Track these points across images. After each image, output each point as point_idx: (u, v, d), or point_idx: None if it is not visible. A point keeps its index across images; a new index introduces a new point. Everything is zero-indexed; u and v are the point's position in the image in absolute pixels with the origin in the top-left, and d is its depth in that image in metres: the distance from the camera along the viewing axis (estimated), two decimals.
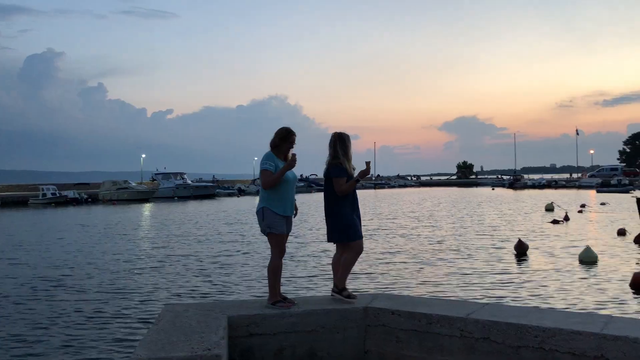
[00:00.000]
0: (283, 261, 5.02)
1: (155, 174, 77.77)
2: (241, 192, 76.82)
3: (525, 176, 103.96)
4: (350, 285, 7.73)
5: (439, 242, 18.29)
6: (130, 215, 39.02)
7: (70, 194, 62.18)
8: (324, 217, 5.16)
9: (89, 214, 41.36)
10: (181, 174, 73.68)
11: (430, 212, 33.96)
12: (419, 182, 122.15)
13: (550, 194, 53.45)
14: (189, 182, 72.88)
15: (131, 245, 19.90)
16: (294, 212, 5.06)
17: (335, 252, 5.20)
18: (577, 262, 13.51)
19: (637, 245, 16.73)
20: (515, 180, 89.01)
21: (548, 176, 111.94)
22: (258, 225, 4.96)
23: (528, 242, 16.18)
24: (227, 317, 4.44)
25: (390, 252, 16.20)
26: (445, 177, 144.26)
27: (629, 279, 10.78)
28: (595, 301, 9.61)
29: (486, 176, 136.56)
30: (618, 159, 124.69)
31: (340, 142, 5.02)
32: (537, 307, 8.28)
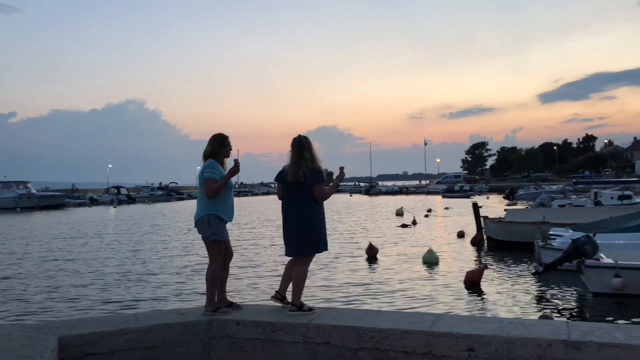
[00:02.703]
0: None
1: None
2: (93, 202, 72.02)
3: (380, 183, 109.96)
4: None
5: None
6: None
7: None
8: (283, 226, 4.88)
9: None
10: (24, 182, 67.23)
11: None
12: None
13: (401, 200, 57.01)
14: (34, 191, 66.74)
15: None
16: None
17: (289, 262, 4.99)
18: (420, 263, 14.53)
19: (473, 246, 18.40)
20: (370, 187, 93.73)
21: (400, 183, 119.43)
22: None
23: (378, 246, 17.06)
24: (57, 337, 4.11)
25: (243, 262, 15.97)
26: None
27: (464, 277, 11.81)
28: (433, 300, 10.39)
29: (345, 183, 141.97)
30: (461, 167, 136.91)
31: (308, 146, 4.78)
32: (376, 309, 8.75)
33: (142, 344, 4.40)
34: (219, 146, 4.89)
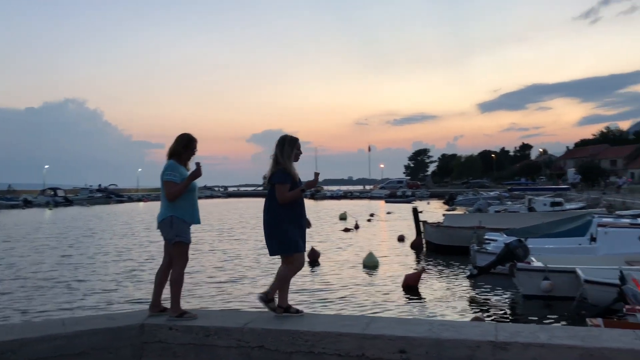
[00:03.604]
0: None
1: None
2: (27, 204, 68.95)
3: (325, 187, 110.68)
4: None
5: (236, 254, 18.44)
6: None
7: None
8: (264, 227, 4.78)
9: None
10: None
11: (231, 225, 34.13)
12: (227, 193, 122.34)
13: (346, 204, 57.48)
14: None
15: None
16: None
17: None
18: (361, 267, 14.71)
19: (413, 250, 18.78)
20: (316, 192, 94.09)
21: (345, 188, 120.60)
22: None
23: (321, 250, 17.15)
24: None
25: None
26: (252, 188, 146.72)
27: (402, 281, 12.04)
28: (371, 303, 10.53)
29: None
30: (404, 173, 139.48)
31: (286, 146, 4.66)
32: (312, 313, 8.76)
33: (69, 351, 4.24)
34: (182, 147, 4.74)
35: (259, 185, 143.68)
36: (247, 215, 44.36)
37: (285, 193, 4.60)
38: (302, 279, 13.26)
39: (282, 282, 4.81)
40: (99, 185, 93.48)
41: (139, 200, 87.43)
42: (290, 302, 4.93)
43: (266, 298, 4.77)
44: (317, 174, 4.84)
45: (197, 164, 4.66)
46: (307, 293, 11.54)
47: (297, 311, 4.77)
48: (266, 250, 4.93)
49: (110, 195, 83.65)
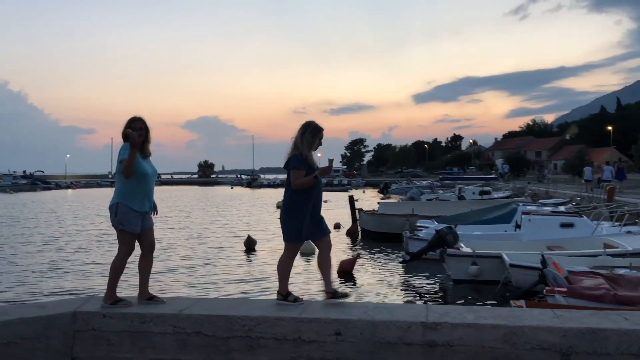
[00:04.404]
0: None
1: None
2: None
3: (263, 176, 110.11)
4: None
5: (169, 244, 18.14)
6: None
7: None
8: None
9: None
10: None
11: (165, 214, 33.48)
12: (160, 181, 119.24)
13: (283, 193, 57.35)
14: None
15: None
16: (154, 210, 4.74)
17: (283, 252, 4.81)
18: (298, 254, 14.82)
19: (348, 237, 19.10)
20: (252, 180, 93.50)
21: (283, 176, 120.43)
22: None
23: (257, 238, 17.15)
24: None
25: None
26: (187, 176, 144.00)
27: (337, 267, 12.25)
28: (307, 288, 10.70)
29: (227, 175, 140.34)
30: (341, 162, 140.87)
31: (308, 133, 4.60)
32: (249, 298, 8.84)
33: None
34: (126, 128, 4.63)
35: (194, 173, 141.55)
36: (180, 203, 43.59)
37: (300, 179, 4.57)
38: (240, 267, 13.25)
39: (282, 272, 4.82)
40: (24, 171, 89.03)
41: (68, 187, 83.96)
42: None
43: (334, 293, 4.72)
44: (331, 160, 4.78)
45: (130, 134, 4.47)
46: (242, 280, 11.55)
47: (296, 299, 4.76)
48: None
49: (36, 182, 79.77)
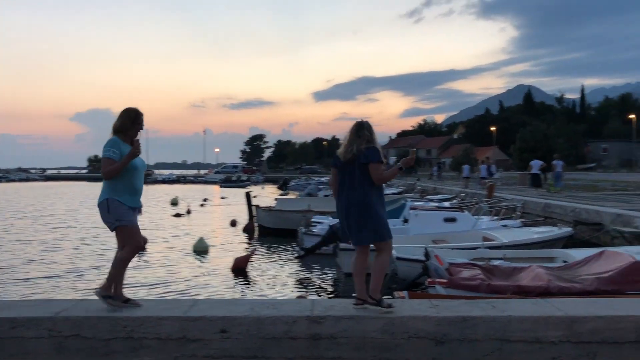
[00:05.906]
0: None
1: None
2: None
3: (157, 171, 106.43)
4: None
5: (45, 244, 16.96)
6: None
7: None
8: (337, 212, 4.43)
9: None
10: None
11: (51, 212, 31.47)
12: (45, 176, 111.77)
13: (179, 189, 55.99)
14: None
15: None
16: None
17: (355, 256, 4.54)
18: (191, 252, 14.56)
19: (245, 234, 19.03)
20: (146, 175, 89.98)
21: (179, 172, 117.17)
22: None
23: (148, 236, 16.56)
24: None
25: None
26: (75, 171, 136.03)
27: (232, 263, 12.19)
28: (198, 287, 10.53)
29: None
30: (240, 158, 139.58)
31: (371, 128, 4.50)
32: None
33: None
34: (131, 123, 4.39)
35: (83, 168, 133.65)
36: (68, 200, 41.15)
37: (382, 172, 4.42)
38: (129, 269, 12.75)
39: (382, 275, 4.51)
40: None
41: None
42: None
43: (378, 300, 4.43)
44: (413, 151, 4.69)
45: (136, 141, 4.34)
46: (132, 281, 11.15)
47: (390, 305, 4.42)
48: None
49: None
